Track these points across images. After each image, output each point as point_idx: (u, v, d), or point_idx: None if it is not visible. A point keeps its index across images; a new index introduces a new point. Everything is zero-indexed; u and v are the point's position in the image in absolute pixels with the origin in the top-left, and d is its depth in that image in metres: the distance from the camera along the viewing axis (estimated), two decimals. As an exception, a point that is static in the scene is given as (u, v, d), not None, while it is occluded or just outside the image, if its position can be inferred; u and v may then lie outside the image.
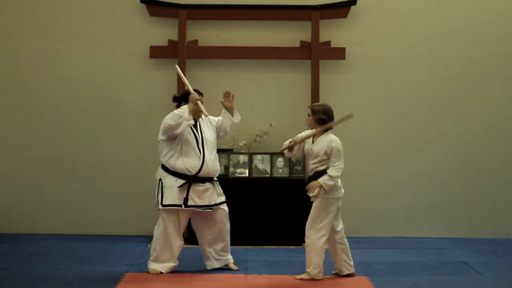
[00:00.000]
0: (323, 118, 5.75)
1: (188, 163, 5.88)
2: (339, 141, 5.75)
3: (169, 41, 7.63)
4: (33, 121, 7.71)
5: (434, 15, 7.80)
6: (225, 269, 6.07)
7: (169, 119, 5.84)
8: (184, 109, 5.87)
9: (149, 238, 7.45)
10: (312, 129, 5.85)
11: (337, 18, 7.70)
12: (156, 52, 7.63)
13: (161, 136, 5.94)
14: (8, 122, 7.73)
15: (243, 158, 7.51)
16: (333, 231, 5.77)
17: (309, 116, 5.85)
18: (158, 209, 5.93)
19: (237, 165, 7.45)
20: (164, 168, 5.95)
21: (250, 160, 7.51)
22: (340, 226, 5.82)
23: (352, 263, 5.86)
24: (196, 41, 7.67)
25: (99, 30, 7.73)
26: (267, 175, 7.50)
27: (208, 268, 6.05)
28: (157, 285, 5.52)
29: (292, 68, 7.73)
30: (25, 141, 7.70)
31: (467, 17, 7.80)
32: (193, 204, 5.89)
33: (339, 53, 7.65)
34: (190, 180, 5.88)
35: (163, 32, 7.68)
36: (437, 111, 7.78)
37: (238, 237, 7.19)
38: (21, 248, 6.84)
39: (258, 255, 6.77)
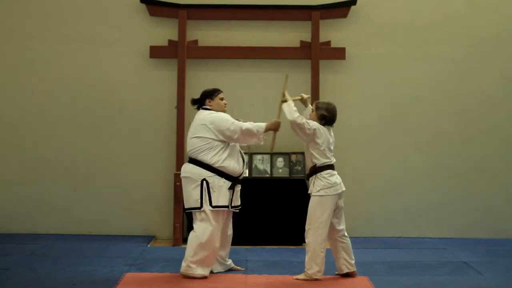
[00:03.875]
0: (324, 115, 5.77)
1: (237, 164, 5.83)
2: (314, 123, 5.72)
3: (169, 41, 7.63)
4: (33, 121, 7.71)
5: (434, 15, 7.80)
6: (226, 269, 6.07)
7: (251, 127, 5.85)
8: (262, 127, 5.90)
9: (149, 238, 7.46)
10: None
11: (337, 18, 7.70)
12: (156, 52, 7.63)
13: (233, 136, 5.78)
14: (8, 122, 7.72)
15: (243, 158, 7.51)
16: (333, 229, 5.77)
17: (312, 111, 5.88)
18: (202, 210, 5.70)
19: (237, 165, 7.45)
20: (209, 168, 5.74)
21: (250, 160, 7.51)
22: (341, 226, 5.81)
23: (353, 262, 5.84)
24: (196, 41, 7.67)
25: (99, 30, 7.73)
26: (267, 175, 7.50)
27: (214, 271, 5.95)
28: (157, 285, 5.52)
29: (292, 68, 7.70)
30: (25, 141, 7.70)
31: (467, 17, 7.80)
32: (234, 204, 5.88)
33: (339, 53, 7.65)
34: (235, 181, 5.84)
35: (163, 32, 7.68)
36: (437, 111, 7.78)
37: (238, 237, 7.16)
38: (21, 248, 6.84)
39: (258, 255, 6.77)
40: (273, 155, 7.55)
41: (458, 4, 7.83)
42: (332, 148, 5.79)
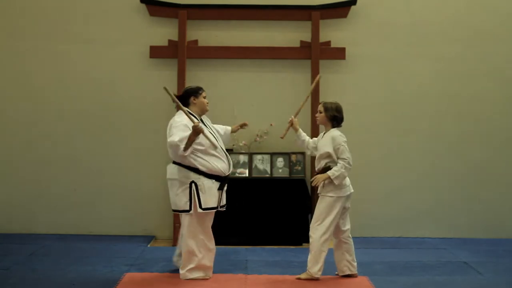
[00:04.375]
0: (336, 116, 5.77)
1: (222, 164, 5.76)
2: (341, 135, 5.73)
3: (169, 41, 7.63)
4: (33, 121, 7.71)
5: (434, 15, 7.80)
6: (226, 269, 6.07)
7: (174, 139, 5.58)
8: (184, 139, 5.54)
9: (149, 238, 7.46)
10: (322, 125, 5.87)
11: (337, 18, 7.71)
12: (156, 52, 7.63)
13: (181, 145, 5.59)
14: (8, 122, 7.72)
15: (243, 158, 7.51)
16: (338, 230, 5.78)
17: (320, 112, 5.84)
18: (191, 213, 5.64)
19: (237, 165, 7.45)
20: (195, 170, 5.68)
21: (250, 160, 7.51)
22: (347, 226, 5.82)
23: (355, 264, 5.84)
24: (196, 41, 7.67)
25: (99, 30, 7.73)
26: (267, 175, 7.50)
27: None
28: (157, 285, 5.52)
29: (292, 68, 7.73)
30: (25, 141, 7.70)
31: (467, 17, 7.81)
32: (222, 204, 5.83)
33: (339, 53, 7.65)
34: (223, 181, 5.78)
35: (163, 32, 7.68)
36: (437, 111, 7.78)
37: (238, 237, 7.20)
38: (21, 248, 6.84)
39: (258, 255, 6.77)
40: (273, 155, 7.55)
41: (458, 4, 7.82)
42: None
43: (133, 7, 7.72)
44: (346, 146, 5.68)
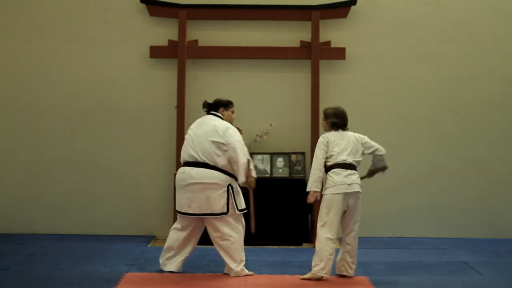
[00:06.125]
0: (335, 122, 5.82)
1: None
2: (320, 138, 5.81)
3: (169, 41, 7.63)
4: (33, 121, 7.71)
5: (434, 15, 7.80)
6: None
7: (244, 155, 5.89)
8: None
9: (149, 238, 7.46)
10: (326, 131, 5.89)
11: (337, 18, 7.70)
12: (156, 52, 7.63)
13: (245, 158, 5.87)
14: (8, 122, 7.72)
15: (243, 158, 7.49)
16: (344, 229, 5.78)
17: (323, 119, 5.93)
18: (229, 215, 5.78)
19: (237, 165, 7.44)
20: (228, 174, 5.82)
21: (250, 160, 7.50)
22: (350, 228, 5.76)
23: (354, 267, 5.81)
24: (196, 41, 7.67)
25: (99, 30, 7.73)
26: (267, 175, 7.50)
27: (166, 270, 5.95)
28: (157, 285, 5.52)
29: (292, 68, 7.73)
30: (24, 141, 7.70)
31: (467, 17, 7.81)
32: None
33: (339, 53, 7.65)
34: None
35: (163, 32, 7.68)
36: (437, 111, 7.78)
37: (238, 237, 7.18)
38: (21, 248, 6.84)
39: (258, 255, 6.76)
40: (273, 155, 7.54)
41: (458, 4, 7.83)
42: (345, 148, 5.75)
43: (133, 7, 7.72)
44: (318, 149, 5.77)
